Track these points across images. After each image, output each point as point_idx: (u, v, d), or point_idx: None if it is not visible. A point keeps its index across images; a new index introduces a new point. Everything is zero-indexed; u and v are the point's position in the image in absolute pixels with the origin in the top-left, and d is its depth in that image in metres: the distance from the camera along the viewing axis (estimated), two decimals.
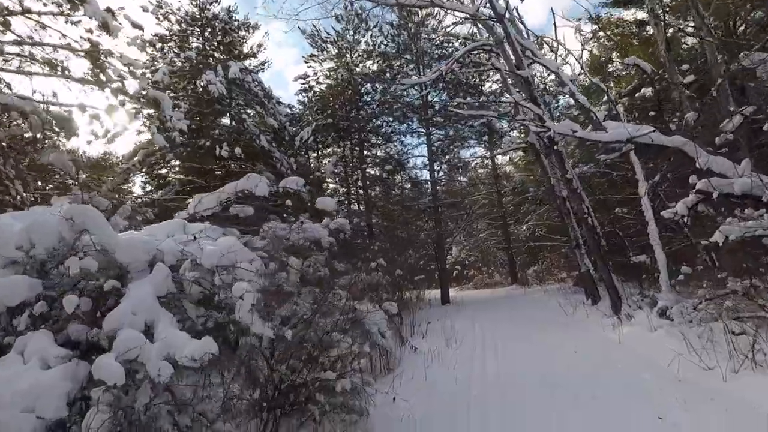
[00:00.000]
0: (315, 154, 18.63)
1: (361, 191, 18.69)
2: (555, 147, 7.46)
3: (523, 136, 11.80)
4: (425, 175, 18.30)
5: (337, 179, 19.81)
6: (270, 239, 5.33)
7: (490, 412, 4.21)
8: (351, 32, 17.59)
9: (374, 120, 18.25)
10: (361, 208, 18.41)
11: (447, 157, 19.02)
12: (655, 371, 4.72)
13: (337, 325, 4.42)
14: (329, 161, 15.47)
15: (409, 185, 19.07)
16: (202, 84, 12.47)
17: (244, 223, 5.71)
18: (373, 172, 18.90)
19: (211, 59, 14.62)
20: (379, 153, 18.69)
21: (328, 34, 17.68)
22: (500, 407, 4.29)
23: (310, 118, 17.04)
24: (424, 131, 16.98)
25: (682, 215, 4.87)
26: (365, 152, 18.43)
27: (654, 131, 5.40)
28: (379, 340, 5.89)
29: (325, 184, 19.03)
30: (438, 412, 4.33)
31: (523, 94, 7.14)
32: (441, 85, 16.33)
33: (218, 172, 13.38)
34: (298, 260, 5.03)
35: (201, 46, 14.92)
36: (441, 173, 19.62)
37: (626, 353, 5.57)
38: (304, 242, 5.72)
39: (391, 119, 18.09)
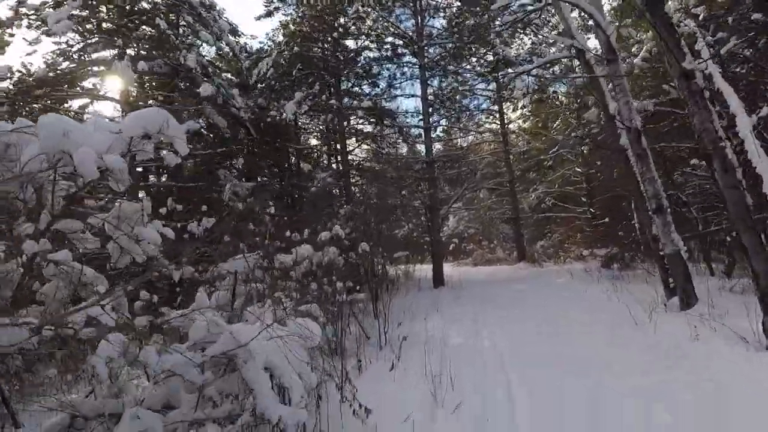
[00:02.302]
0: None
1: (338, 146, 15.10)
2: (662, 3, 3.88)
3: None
4: (418, 130, 14.64)
5: (318, 134, 16.31)
6: None
7: None
8: None
9: (357, 58, 14.51)
10: (340, 166, 14.91)
11: (446, 104, 15.31)
12: None
13: None
14: (292, 101, 11.79)
15: (400, 138, 15.43)
16: None
17: None
18: (355, 124, 15.32)
19: None
20: (363, 102, 14.94)
21: None
22: None
23: (272, 46, 13.30)
24: (418, 66, 13.26)
25: None
26: (346, 100, 14.73)
27: None
28: (270, 408, 2.54)
29: (303, 137, 15.51)
30: None
31: None
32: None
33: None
34: None
35: None
36: (439, 127, 16.04)
37: None
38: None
39: (377, 54, 14.33)
